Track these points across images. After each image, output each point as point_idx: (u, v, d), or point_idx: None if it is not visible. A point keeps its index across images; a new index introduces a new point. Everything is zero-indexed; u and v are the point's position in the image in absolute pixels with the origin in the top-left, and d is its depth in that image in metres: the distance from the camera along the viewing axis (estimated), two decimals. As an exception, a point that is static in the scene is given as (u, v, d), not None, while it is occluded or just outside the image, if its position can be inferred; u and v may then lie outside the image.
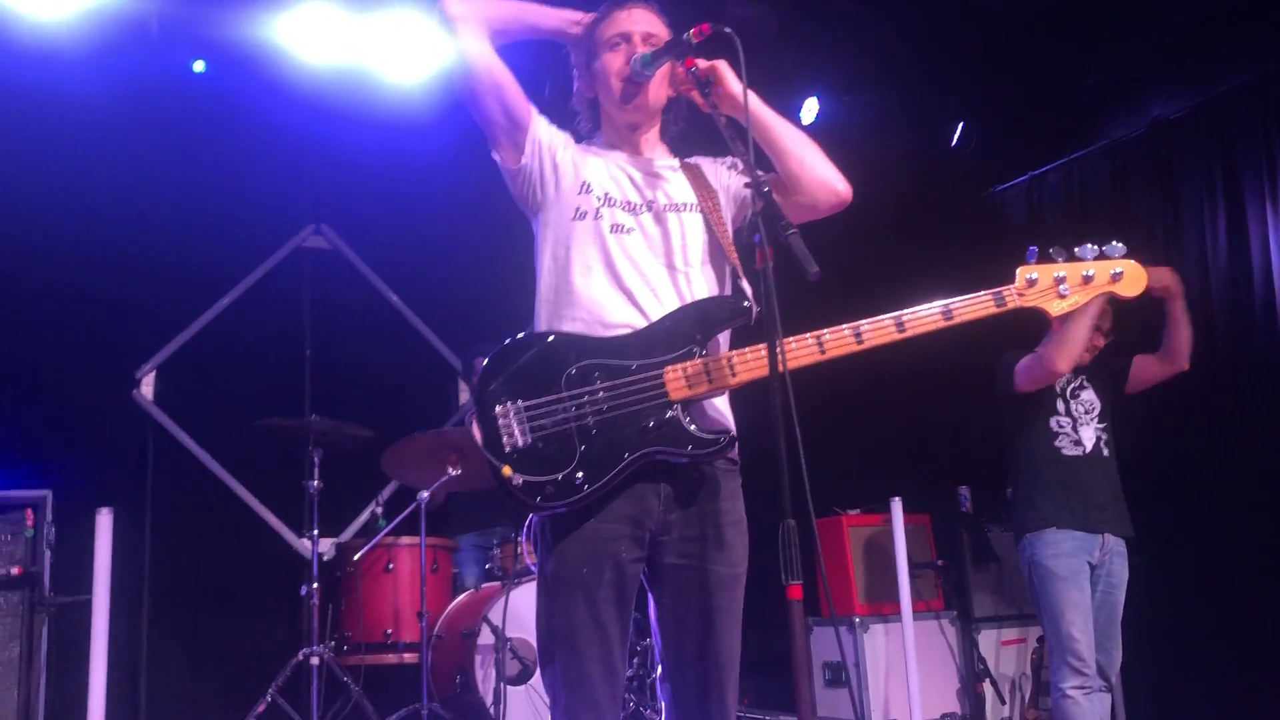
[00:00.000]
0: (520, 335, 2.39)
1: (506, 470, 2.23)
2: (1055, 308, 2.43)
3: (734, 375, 2.30)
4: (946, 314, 2.35)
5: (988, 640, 5.86)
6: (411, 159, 6.04)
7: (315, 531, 4.81)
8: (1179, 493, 5.50)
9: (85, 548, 4.03)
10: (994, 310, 2.38)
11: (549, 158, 2.47)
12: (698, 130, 2.64)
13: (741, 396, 2.42)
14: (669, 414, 2.28)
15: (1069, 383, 4.46)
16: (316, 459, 4.84)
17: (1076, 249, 2.45)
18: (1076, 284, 2.44)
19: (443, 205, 6.15)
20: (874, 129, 6.90)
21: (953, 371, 6.65)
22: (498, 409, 2.27)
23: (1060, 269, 2.43)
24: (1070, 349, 4.17)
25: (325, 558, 5.41)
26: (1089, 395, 4.48)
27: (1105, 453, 4.38)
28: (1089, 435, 4.38)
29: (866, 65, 6.57)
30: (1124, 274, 2.46)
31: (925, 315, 2.34)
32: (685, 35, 2.36)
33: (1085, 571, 4.20)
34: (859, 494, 5.97)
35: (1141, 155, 6.56)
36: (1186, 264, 6.24)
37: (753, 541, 2.40)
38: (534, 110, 2.49)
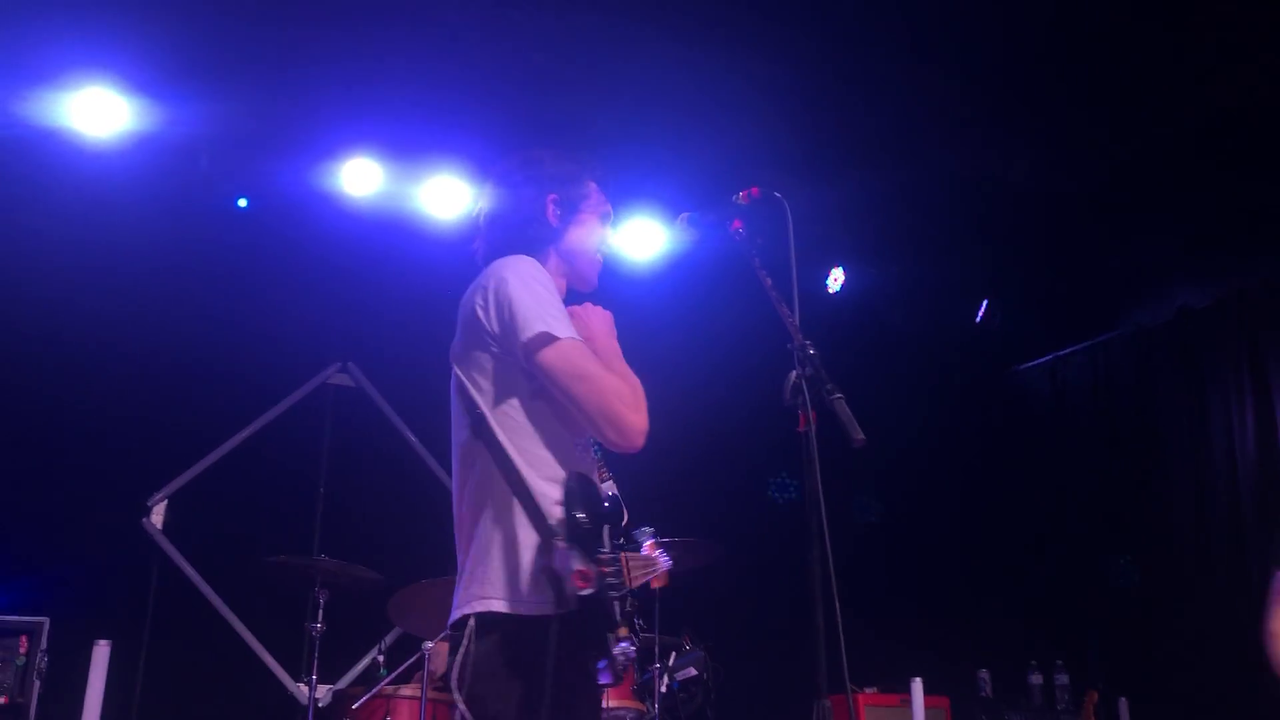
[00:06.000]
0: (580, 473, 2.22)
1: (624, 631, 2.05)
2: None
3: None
4: None
5: (1005, 834, 5.59)
6: (441, 300, 6.07)
7: (313, 676, 4.66)
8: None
9: (78, 678, 3.90)
10: None
11: None
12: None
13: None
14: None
15: None
16: (321, 600, 4.71)
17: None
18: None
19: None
20: (900, 301, 6.97)
21: (972, 554, 6.54)
22: (604, 555, 2.07)
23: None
24: None
25: (321, 704, 5.22)
26: None
27: None
28: None
29: (894, 239, 6.68)
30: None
31: None
32: (734, 197, 2.39)
33: None
34: (875, 672, 5.77)
35: (1168, 343, 6.59)
36: (1214, 453, 6.19)
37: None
38: None
